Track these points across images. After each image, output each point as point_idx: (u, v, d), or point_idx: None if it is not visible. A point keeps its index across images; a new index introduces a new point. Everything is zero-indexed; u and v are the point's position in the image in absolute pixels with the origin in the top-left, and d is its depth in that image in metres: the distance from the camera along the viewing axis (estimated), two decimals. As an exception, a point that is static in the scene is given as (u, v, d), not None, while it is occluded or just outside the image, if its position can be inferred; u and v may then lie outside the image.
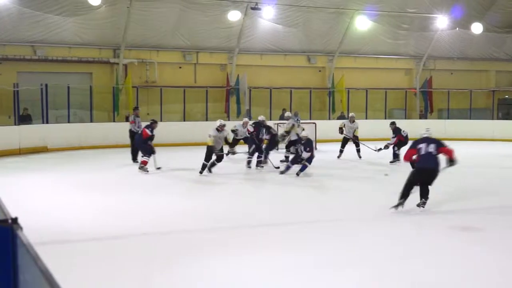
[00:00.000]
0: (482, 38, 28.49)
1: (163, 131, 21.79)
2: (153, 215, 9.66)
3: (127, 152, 17.24)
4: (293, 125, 16.87)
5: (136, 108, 18.20)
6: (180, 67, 25.49)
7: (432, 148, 9.54)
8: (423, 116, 28.60)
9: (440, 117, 28.76)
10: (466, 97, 28.72)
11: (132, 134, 16.87)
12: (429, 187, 9.68)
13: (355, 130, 18.22)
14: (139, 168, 14.58)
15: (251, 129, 16.14)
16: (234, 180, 13.76)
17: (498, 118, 28.82)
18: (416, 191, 9.67)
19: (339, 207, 10.61)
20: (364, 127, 25.53)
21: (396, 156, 16.71)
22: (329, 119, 26.54)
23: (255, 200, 11.45)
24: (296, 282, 6.21)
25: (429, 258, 7.08)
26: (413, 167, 10.05)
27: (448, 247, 7.69)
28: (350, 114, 19.12)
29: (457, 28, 28.00)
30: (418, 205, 9.65)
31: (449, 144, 9.89)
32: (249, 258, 7.08)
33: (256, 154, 15.77)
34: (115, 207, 10.34)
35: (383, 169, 15.52)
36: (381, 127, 25.63)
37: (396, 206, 9.49)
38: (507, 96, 29.98)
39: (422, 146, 9.61)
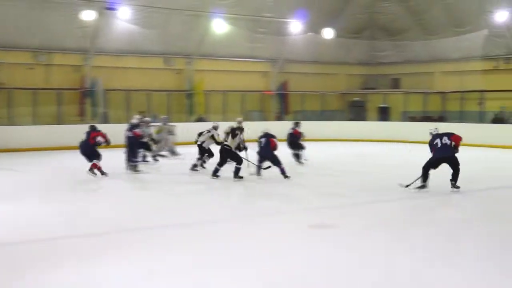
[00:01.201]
0: (333, 43, 30.14)
1: (12, 135, 21.27)
2: (16, 223, 9.47)
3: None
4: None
5: None
6: (31, 68, 24.51)
7: (446, 140, 11.94)
8: (279, 117, 29.70)
9: (295, 119, 29.83)
10: (319, 99, 30.27)
11: None
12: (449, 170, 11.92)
13: None
14: (90, 171, 14.45)
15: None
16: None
17: (349, 120, 30.51)
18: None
19: (213, 207, 10.96)
20: (222, 129, 26.33)
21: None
22: (188, 121, 26.75)
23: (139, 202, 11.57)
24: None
25: (281, 259, 7.31)
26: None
27: (301, 246, 7.97)
28: (238, 119, 18.88)
29: (310, 33, 29.40)
30: (453, 187, 12.00)
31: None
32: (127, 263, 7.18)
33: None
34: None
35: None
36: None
37: (421, 187, 11.93)
38: (356, 99, 31.91)
39: (438, 141, 12.01)
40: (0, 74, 23.64)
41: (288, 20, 28.30)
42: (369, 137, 26.79)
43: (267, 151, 13.93)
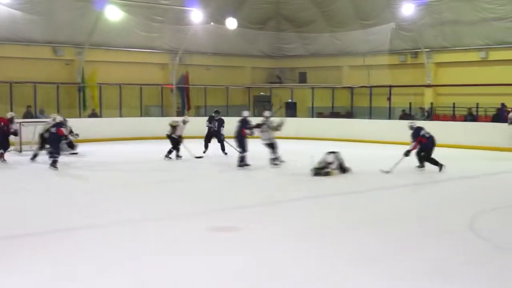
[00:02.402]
0: (237, 34, 29.32)
1: None
2: None
3: None
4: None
5: None
6: None
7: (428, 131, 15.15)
8: (180, 113, 28.49)
9: (198, 114, 28.94)
10: (223, 93, 29.30)
11: None
12: None
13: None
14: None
15: None
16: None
17: (254, 115, 29.70)
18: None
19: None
20: (118, 125, 25.00)
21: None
22: (80, 116, 25.11)
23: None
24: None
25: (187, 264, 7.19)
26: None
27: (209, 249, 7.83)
28: (185, 117, 19.25)
29: (212, 23, 28.35)
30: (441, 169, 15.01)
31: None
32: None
33: None
34: None
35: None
36: (137, 126, 25.21)
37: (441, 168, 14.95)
38: (262, 93, 31.19)
39: (424, 132, 14.97)
40: None
41: (188, 8, 27.05)
42: (275, 134, 25.98)
43: (236, 136, 16.20)
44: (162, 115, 27.59)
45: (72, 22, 25.29)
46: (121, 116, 26.05)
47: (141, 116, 26.74)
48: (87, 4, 25.02)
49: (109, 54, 27.11)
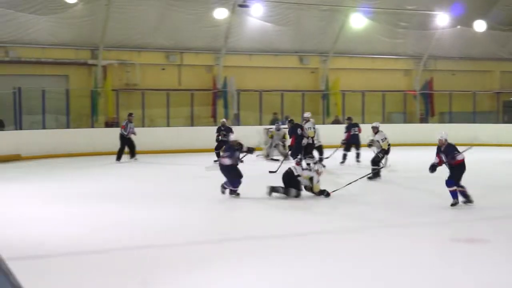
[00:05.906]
0: (486, 36, 28.69)
1: (146, 137, 21.93)
2: (138, 228, 9.63)
3: (107, 160, 18.40)
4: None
5: (130, 114, 19.60)
6: (163, 69, 25.55)
7: None
8: (424, 120, 28.74)
9: (442, 121, 28.92)
10: (469, 99, 28.87)
11: (122, 137, 19.03)
12: None
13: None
14: None
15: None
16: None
17: (503, 122, 28.88)
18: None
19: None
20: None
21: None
22: (323, 123, 26.54)
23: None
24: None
25: (427, 271, 7.20)
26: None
27: (451, 260, 7.81)
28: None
29: (459, 26, 28.20)
30: None
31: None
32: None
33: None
34: (95, 219, 10.29)
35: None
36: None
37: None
38: (512, 98, 30.20)
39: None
40: (133, 75, 24.75)
41: (434, 12, 27.30)
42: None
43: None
44: (405, 122, 28.20)
45: (318, 31, 26.80)
46: (363, 122, 26.76)
47: (383, 122, 27.28)
48: (332, 13, 26.45)
49: (352, 61, 28.22)
